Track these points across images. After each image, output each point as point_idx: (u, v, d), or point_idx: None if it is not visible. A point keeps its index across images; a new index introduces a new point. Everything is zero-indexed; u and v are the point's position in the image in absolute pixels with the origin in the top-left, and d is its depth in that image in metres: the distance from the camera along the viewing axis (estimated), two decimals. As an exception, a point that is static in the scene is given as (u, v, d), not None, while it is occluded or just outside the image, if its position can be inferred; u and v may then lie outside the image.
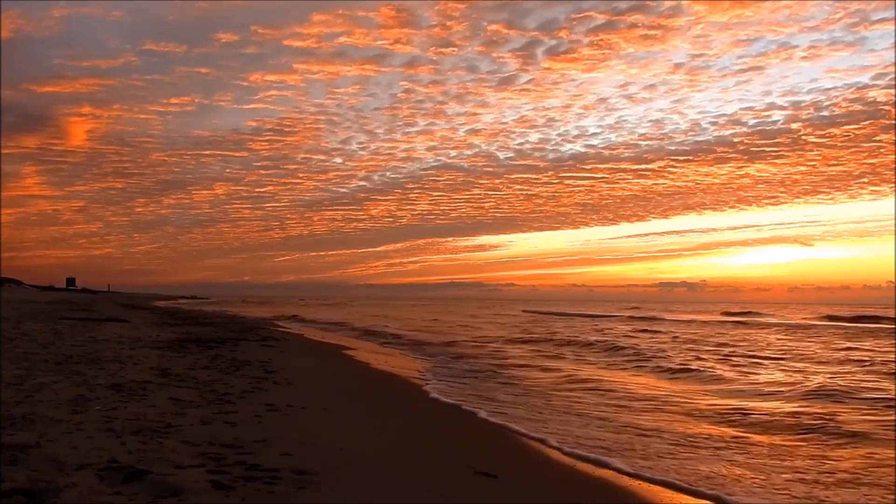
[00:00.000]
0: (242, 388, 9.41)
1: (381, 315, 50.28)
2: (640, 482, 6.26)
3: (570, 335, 27.76)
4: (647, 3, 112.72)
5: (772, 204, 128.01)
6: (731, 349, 22.14)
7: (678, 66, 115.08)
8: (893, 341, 26.00)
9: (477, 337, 27.09)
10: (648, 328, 35.32)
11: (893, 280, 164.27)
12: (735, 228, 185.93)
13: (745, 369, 16.05)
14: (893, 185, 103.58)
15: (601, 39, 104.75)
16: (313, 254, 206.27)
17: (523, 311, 70.95)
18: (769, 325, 40.42)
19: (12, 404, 6.80)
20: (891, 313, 50.51)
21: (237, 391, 9.11)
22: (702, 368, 15.79)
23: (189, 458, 5.21)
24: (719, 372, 15.29)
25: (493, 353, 20.11)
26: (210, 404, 7.89)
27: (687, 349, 21.97)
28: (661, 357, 18.54)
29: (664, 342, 25.31)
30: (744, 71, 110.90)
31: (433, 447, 7.30)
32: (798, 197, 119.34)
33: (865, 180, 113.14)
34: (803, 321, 46.74)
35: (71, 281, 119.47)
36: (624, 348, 21.27)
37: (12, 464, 4.66)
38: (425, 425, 8.73)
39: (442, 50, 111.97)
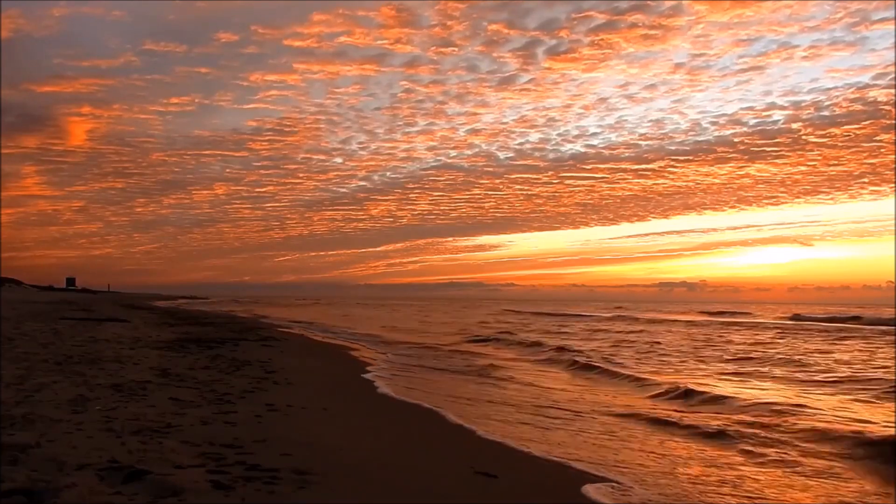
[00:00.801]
0: (242, 388, 9.42)
1: (363, 315, 51.47)
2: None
3: (520, 336, 28.23)
4: (648, 2, 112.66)
5: (772, 204, 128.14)
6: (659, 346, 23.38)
7: (679, 65, 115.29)
8: (829, 340, 26.84)
9: (444, 335, 28.17)
10: (608, 328, 36.42)
11: (893, 280, 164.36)
12: (735, 228, 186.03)
13: (644, 366, 17.06)
14: (894, 185, 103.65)
15: (601, 39, 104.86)
16: (313, 254, 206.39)
17: (504, 310, 72.68)
18: (733, 325, 41.10)
19: (12, 404, 6.81)
20: (869, 313, 51.75)
21: (237, 391, 9.12)
22: (603, 366, 16.45)
23: (189, 458, 5.21)
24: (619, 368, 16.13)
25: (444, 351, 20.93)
26: (210, 404, 7.89)
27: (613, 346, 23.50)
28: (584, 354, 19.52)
29: (604, 340, 26.74)
30: (744, 71, 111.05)
31: (433, 447, 7.30)
32: (798, 197, 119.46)
33: (866, 180, 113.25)
34: (773, 320, 47.72)
35: (71, 281, 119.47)
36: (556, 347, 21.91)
37: (12, 464, 4.66)
38: (424, 425, 8.72)
39: (442, 50, 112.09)
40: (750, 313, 61.36)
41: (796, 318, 51.84)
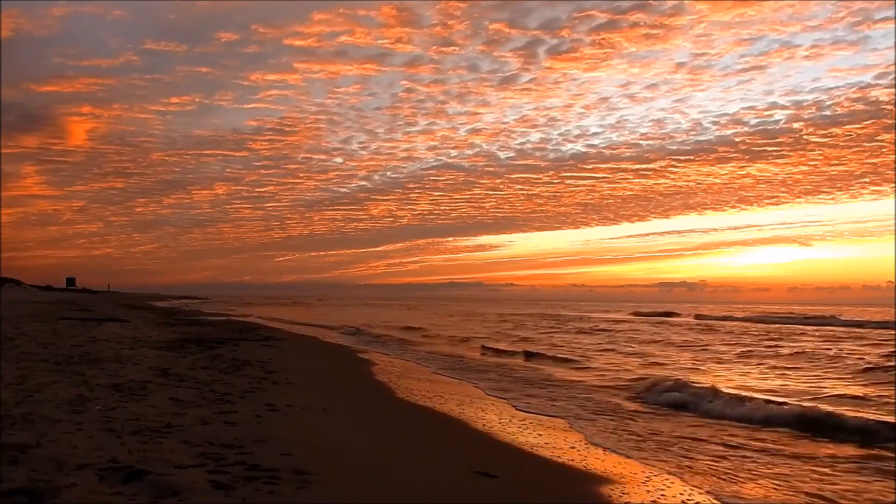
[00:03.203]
0: (242, 388, 9.41)
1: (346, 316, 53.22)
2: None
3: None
4: (649, 2, 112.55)
5: (773, 204, 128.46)
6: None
7: (680, 65, 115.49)
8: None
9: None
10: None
11: (893, 280, 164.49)
12: (736, 228, 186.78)
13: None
14: (894, 184, 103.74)
15: (603, 38, 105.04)
16: (313, 254, 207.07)
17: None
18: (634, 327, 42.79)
19: (12, 404, 6.80)
20: (801, 312, 56.48)
21: (237, 391, 9.11)
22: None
23: (189, 458, 5.20)
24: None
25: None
26: (210, 404, 7.88)
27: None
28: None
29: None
30: (746, 70, 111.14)
31: (433, 447, 7.30)
32: (799, 197, 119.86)
33: (867, 180, 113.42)
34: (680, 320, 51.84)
35: (71, 281, 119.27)
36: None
37: (12, 464, 4.65)
38: (424, 425, 8.73)
39: (443, 49, 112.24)
40: (688, 313, 65.02)
41: (698, 317, 56.96)
